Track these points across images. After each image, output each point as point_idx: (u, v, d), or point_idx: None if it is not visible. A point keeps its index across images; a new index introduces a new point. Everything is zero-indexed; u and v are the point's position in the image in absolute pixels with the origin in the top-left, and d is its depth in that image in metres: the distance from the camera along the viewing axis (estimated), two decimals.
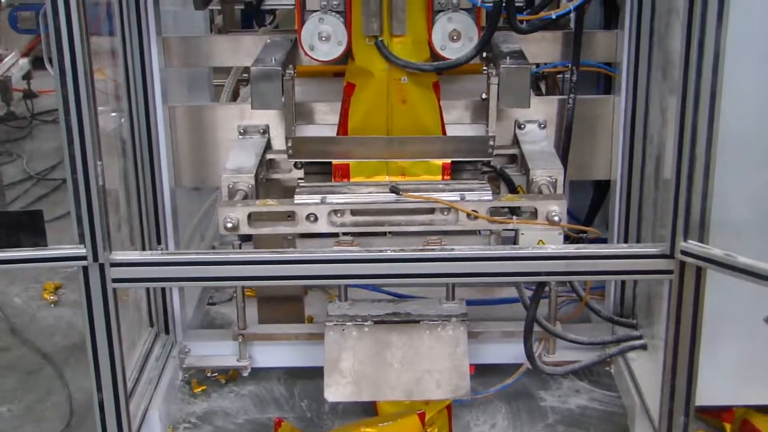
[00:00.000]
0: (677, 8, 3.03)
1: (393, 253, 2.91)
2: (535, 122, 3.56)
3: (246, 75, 4.31)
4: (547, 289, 3.56)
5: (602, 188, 4.22)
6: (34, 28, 7.34)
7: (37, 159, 6.65)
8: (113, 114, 3.39)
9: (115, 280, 2.88)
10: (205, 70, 4.67)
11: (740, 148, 3.01)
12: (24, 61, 7.82)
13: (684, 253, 2.83)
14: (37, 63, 7.53)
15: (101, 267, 2.84)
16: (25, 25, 7.59)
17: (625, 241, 3.65)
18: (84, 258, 2.82)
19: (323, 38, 3.20)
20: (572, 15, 3.59)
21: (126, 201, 3.48)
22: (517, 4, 3.21)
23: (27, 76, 7.69)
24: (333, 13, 3.20)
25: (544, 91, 4.59)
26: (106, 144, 2.94)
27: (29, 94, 7.61)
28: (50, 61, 2.75)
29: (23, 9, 7.44)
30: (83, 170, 2.74)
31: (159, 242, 3.64)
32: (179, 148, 3.65)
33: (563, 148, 3.55)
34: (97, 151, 2.74)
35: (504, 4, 3.03)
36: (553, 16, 3.12)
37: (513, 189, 3.35)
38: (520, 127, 3.55)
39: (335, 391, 3.41)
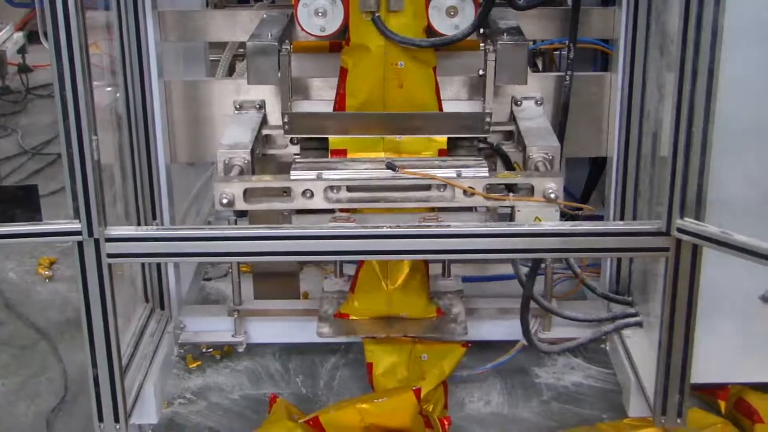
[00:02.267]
0: None
1: (389, 230, 2.89)
2: (532, 99, 3.54)
3: (242, 50, 4.29)
4: (542, 266, 3.56)
5: (598, 165, 4.22)
6: (29, 2, 7.31)
7: (32, 134, 6.64)
8: (108, 88, 3.37)
9: (110, 255, 2.87)
10: (201, 45, 4.65)
11: (738, 127, 3.00)
12: (19, 35, 7.77)
13: (680, 230, 2.82)
14: (32, 37, 7.50)
15: (96, 242, 2.83)
16: None
17: (622, 219, 3.64)
18: (79, 233, 2.81)
19: (319, 13, 3.19)
20: None
21: (121, 176, 3.46)
22: None
23: (22, 50, 7.64)
24: None
25: (540, 68, 4.57)
26: (101, 119, 2.92)
27: (24, 68, 7.58)
28: (45, 35, 2.73)
29: None
30: (78, 145, 2.72)
31: (154, 218, 3.63)
32: (175, 124, 3.64)
33: (560, 125, 3.53)
34: (92, 125, 2.73)
35: None
36: None
37: (509, 166, 3.34)
38: (516, 104, 3.53)
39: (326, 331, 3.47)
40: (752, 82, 3.01)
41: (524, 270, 3.46)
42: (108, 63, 3.37)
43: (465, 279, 3.74)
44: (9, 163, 6.19)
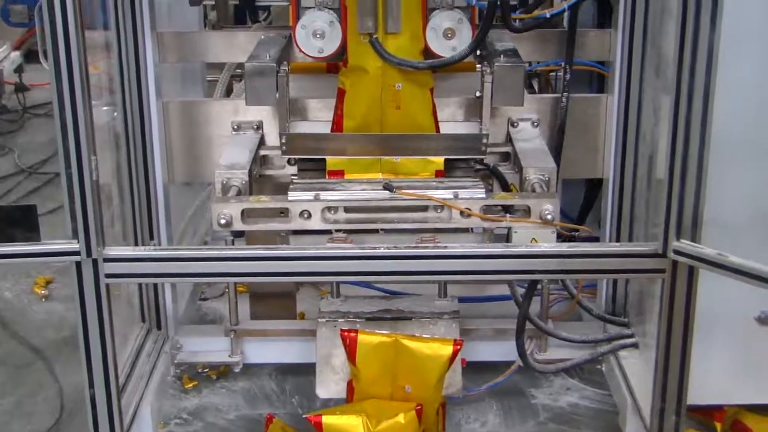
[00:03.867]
0: (671, 8, 3.03)
1: (386, 251, 2.91)
2: (529, 120, 3.56)
3: (240, 70, 4.31)
4: (539, 286, 3.57)
5: (595, 186, 4.23)
6: (26, 21, 7.33)
7: (29, 153, 6.64)
8: (106, 107, 3.39)
9: (108, 276, 2.87)
10: (199, 65, 4.66)
11: (733, 147, 3.01)
12: (16, 54, 7.80)
13: (676, 252, 2.83)
14: (29, 56, 7.53)
15: (94, 262, 2.84)
16: (17, 19, 7.57)
17: (618, 240, 3.65)
18: (77, 253, 2.82)
19: (317, 35, 3.21)
20: (566, 13, 3.59)
21: (119, 196, 3.47)
22: (511, 2, 3.22)
23: (19, 70, 7.66)
24: (327, 10, 3.21)
25: (536, 89, 4.59)
26: (100, 138, 2.93)
27: (21, 88, 7.59)
28: (45, 54, 2.75)
29: (16, 2, 7.44)
30: (77, 165, 2.73)
31: (151, 237, 3.63)
32: (173, 144, 3.65)
33: (556, 147, 3.55)
34: (91, 146, 2.74)
35: (498, 3, 3.03)
36: (548, 15, 3.14)
37: (506, 187, 3.36)
38: (513, 125, 3.55)
39: (327, 388, 3.42)
40: (749, 102, 3.03)
41: (521, 290, 3.47)
42: (106, 82, 3.38)
43: (461, 300, 3.73)
44: (6, 182, 6.18)
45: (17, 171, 6.36)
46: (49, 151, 6.41)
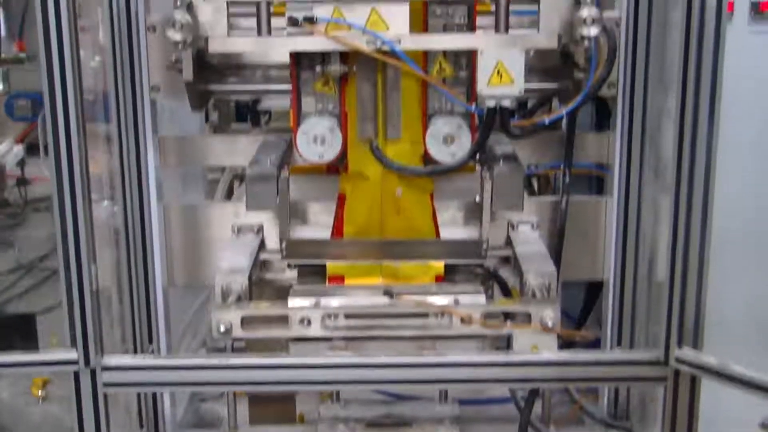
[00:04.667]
0: (669, 109, 3.06)
1: (386, 359, 2.90)
2: (528, 223, 3.56)
3: (241, 170, 4.33)
4: (540, 390, 3.54)
5: (595, 286, 4.22)
6: (30, 116, 7.42)
7: (30, 248, 6.65)
8: (106, 202, 3.40)
9: (106, 384, 2.86)
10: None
11: (734, 250, 3.02)
12: (18, 148, 7.87)
13: (678, 360, 2.82)
14: (31, 149, 7.59)
15: (93, 372, 2.83)
16: (21, 113, 7.67)
17: (619, 343, 3.63)
18: (76, 362, 2.80)
19: (318, 141, 3.22)
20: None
21: (118, 298, 3.47)
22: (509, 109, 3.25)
23: (21, 163, 7.73)
24: (328, 116, 3.23)
25: (536, 188, 4.61)
26: (99, 235, 2.94)
27: (22, 181, 7.65)
28: (45, 149, 2.77)
29: (20, 97, 7.53)
30: (77, 273, 2.74)
31: (150, 342, 3.61)
32: (173, 247, 3.65)
33: (556, 250, 3.55)
34: (91, 254, 2.75)
35: (497, 110, 3.06)
36: (546, 122, 3.16)
37: (507, 291, 3.35)
38: (513, 228, 3.55)
39: None
40: (749, 204, 3.05)
41: (522, 393, 3.44)
42: (107, 177, 3.40)
43: (462, 402, 3.70)
44: (6, 278, 6.18)
45: (17, 267, 6.37)
46: (49, 246, 6.41)
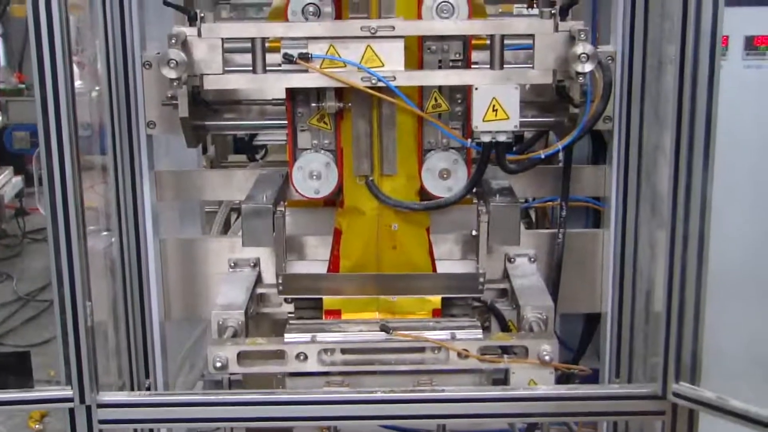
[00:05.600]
0: (663, 145, 3.07)
1: (383, 395, 2.89)
2: (525, 256, 3.56)
3: (238, 204, 4.33)
4: (539, 424, 3.53)
5: (594, 317, 4.21)
6: (28, 148, 7.44)
7: (28, 279, 6.65)
8: (104, 233, 3.40)
9: (101, 422, 2.85)
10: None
11: (732, 286, 3.02)
12: (17, 179, 7.88)
13: (676, 395, 2.81)
14: (29, 180, 7.61)
15: (88, 409, 2.82)
16: (19, 145, 7.69)
17: (617, 375, 3.62)
18: (71, 400, 2.80)
19: (314, 176, 3.23)
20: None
21: (114, 332, 3.46)
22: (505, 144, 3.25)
23: (19, 194, 7.74)
24: (324, 152, 3.24)
25: (533, 220, 4.61)
26: (96, 266, 2.95)
27: (20, 212, 7.66)
28: (40, 180, 2.78)
29: (18, 129, 7.55)
30: (72, 311, 2.74)
31: (147, 376, 3.60)
32: (169, 281, 3.64)
33: (553, 283, 3.54)
34: (86, 292, 2.74)
35: (493, 145, 3.07)
36: (542, 156, 3.16)
37: (504, 325, 3.35)
38: (510, 261, 3.55)
39: None
40: (746, 239, 3.05)
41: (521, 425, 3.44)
42: (103, 207, 3.40)
43: None
44: (4, 309, 6.17)
45: (15, 299, 6.37)
46: (47, 278, 6.40)
